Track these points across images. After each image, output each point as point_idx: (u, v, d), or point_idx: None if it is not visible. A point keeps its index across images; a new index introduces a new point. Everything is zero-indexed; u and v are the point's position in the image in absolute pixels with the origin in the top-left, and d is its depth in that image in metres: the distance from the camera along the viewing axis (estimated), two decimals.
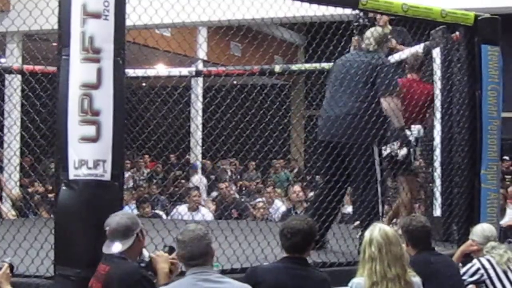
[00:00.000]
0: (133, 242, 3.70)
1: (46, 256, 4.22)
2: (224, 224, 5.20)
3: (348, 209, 8.37)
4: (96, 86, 3.95)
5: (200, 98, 11.41)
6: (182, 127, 7.14)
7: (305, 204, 8.37)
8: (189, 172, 12.47)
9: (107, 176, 3.95)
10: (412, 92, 6.01)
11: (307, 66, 7.98)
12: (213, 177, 12.78)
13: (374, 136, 5.42)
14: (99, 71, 3.96)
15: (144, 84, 8.36)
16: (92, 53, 3.96)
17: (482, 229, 4.96)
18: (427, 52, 6.37)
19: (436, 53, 6.22)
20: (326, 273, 4.05)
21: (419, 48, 6.50)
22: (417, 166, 6.32)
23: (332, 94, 5.60)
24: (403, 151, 5.92)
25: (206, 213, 8.83)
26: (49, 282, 4.09)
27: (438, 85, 6.17)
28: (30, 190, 9.94)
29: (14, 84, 8.66)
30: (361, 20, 6.37)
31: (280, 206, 9.82)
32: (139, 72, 8.24)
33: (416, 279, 3.87)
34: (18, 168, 9.47)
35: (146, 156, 13.02)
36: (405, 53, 6.72)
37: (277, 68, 8.20)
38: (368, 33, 5.77)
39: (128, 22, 4.19)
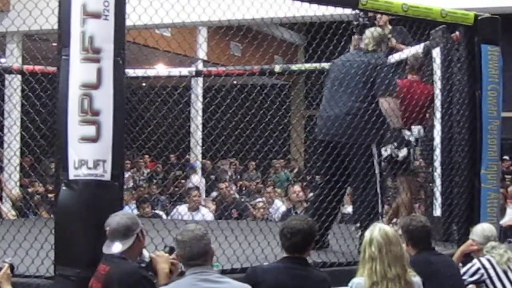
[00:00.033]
0: (133, 242, 3.70)
1: (46, 256, 4.22)
2: (224, 224, 5.20)
3: (348, 209, 8.36)
4: (96, 86, 3.95)
5: (200, 98, 11.41)
6: (182, 127, 7.14)
7: (305, 204, 8.37)
8: (189, 172, 12.47)
9: (107, 176, 3.94)
10: (412, 93, 6.01)
11: (307, 66, 7.97)
12: (213, 177, 12.77)
13: (373, 136, 5.42)
14: (99, 71, 3.96)
15: (144, 84, 8.36)
16: (92, 53, 3.96)
17: (482, 229, 4.96)
18: (427, 52, 6.37)
19: (436, 53, 6.22)
20: (326, 273, 4.06)
21: (419, 48, 6.50)
22: (417, 166, 6.32)
23: (331, 94, 5.60)
24: (403, 152, 5.93)
25: (206, 213, 8.83)
26: (49, 282, 4.09)
27: (438, 85, 6.18)
28: (30, 190, 9.93)
29: (14, 84, 8.66)
30: (361, 20, 6.37)
31: (280, 206, 9.81)
32: (139, 72, 8.23)
33: (416, 279, 3.87)
34: (18, 168, 9.48)
35: (146, 156, 13.02)
36: (405, 53, 6.72)
37: (277, 68, 8.20)
38: (366, 33, 5.77)
39: (128, 22, 4.19)
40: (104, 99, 3.95)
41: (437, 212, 6.14)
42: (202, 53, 13.33)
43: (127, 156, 9.78)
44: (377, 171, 5.51)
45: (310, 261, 4.06)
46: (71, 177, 3.93)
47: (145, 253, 3.89)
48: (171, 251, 3.86)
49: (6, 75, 8.34)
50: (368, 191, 5.47)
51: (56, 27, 4.16)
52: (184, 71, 8.72)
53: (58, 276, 3.99)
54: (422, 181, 6.83)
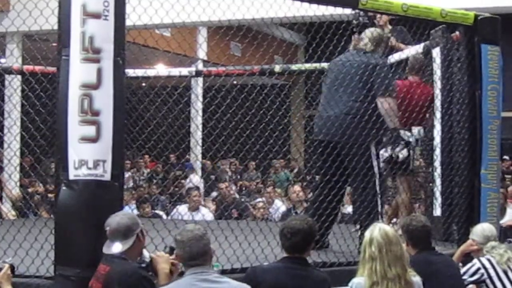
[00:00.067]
0: (133, 242, 3.70)
1: (46, 256, 4.22)
2: (224, 224, 5.20)
3: (348, 209, 8.36)
4: (96, 86, 3.95)
5: (200, 98, 11.41)
6: (182, 127, 7.14)
7: (305, 204, 8.37)
8: (187, 172, 12.47)
9: (107, 176, 3.95)
10: (412, 94, 6.01)
11: (307, 66, 7.98)
12: (213, 177, 12.77)
13: (372, 136, 5.43)
14: (99, 71, 3.96)
15: (144, 84, 8.36)
16: (92, 53, 3.96)
17: (482, 229, 4.96)
18: (427, 52, 6.37)
19: (436, 52, 6.22)
20: (326, 273, 4.06)
21: (419, 48, 6.51)
22: (417, 166, 6.33)
23: (329, 94, 5.61)
24: (404, 153, 5.94)
25: (206, 213, 8.83)
26: (49, 282, 4.09)
27: (438, 85, 6.17)
28: (30, 190, 9.93)
29: (14, 84, 8.66)
30: (361, 19, 6.37)
31: (280, 206, 9.81)
32: (139, 72, 8.23)
33: (417, 279, 3.87)
34: (18, 168, 9.48)
35: (146, 156, 13.02)
36: (405, 52, 6.72)
37: (277, 68, 8.20)
38: (365, 34, 5.77)
39: (128, 22, 4.19)
40: (104, 99, 3.95)
41: (437, 212, 6.13)
42: (202, 53, 13.33)
43: (127, 156, 9.77)
44: (376, 170, 5.51)
45: (310, 261, 4.06)
46: (71, 177, 3.93)
47: (145, 253, 3.89)
48: (171, 251, 3.86)
49: (6, 76, 8.34)
50: (368, 191, 5.47)
51: (56, 27, 4.16)
52: (184, 71, 8.72)
53: (58, 276, 3.99)
54: (422, 181, 6.83)
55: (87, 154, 3.92)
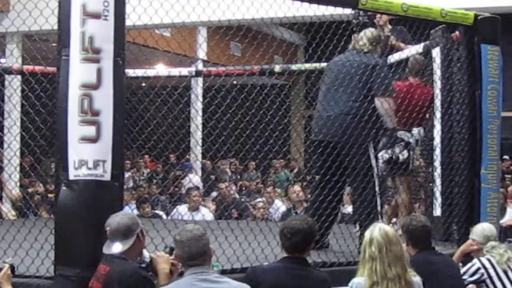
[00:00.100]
0: (134, 242, 3.70)
1: (46, 256, 4.22)
2: (224, 224, 5.20)
3: (348, 209, 8.37)
4: (96, 86, 3.95)
5: (200, 98, 11.40)
6: (182, 127, 7.14)
7: (305, 204, 8.37)
8: (185, 172, 12.46)
9: (107, 176, 3.95)
10: (413, 95, 6.00)
11: (307, 66, 7.98)
12: (213, 177, 12.77)
13: (370, 135, 5.43)
14: (99, 71, 3.96)
15: (144, 84, 8.36)
16: (92, 53, 3.96)
17: (482, 229, 4.96)
18: (427, 52, 6.37)
19: (436, 52, 6.22)
20: (326, 273, 4.06)
21: (419, 47, 6.51)
22: (417, 166, 6.33)
23: (327, 93, 5.61)
24: (404, 154, 5.95)
25: (206, 213, 8.83)
26: (49, 282, 4.09)
27: (438, 84, 6.17)
28: (30, 190, 9.93)
29: (14, 84, 8.66)
30: (361, 19, 6.37)
31: (280, 206, 9.81)
32: (139, 72, 8.23)
33: (417, 279, 3.87)
34: (18, 168, 9.48)
35: (146, 156, 13.02)
36: (405, 52, 6.72)
37: (277, 68, 8.20)
38: (361, 34, 5.78)
39: (128, 22, 4.19)
40: (104, 99, 3.95)
41: (437, 212, 6.13)
42: (202, 53, 13.33)
43: (127, 156, 9.77)
44: (374, 170, 5.51)
45: (310, 261, 4.06)
46: (71, 177, 3.93)
47: (146, 253, 3.89)
48: (171, 251, 3.86)
49: (6, 76, 8.34)
50: (367, 191, 5.47)
51: (56, 27, 4.16)
52: (184, 71, 8.73)
53: (58, 276, 3.99)
54: (422, 181, 6.83)
55: (87, 154, 3.92)
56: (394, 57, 6.76)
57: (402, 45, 6.83)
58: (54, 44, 4.39)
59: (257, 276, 3.81)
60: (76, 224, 3.94)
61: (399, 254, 3.77)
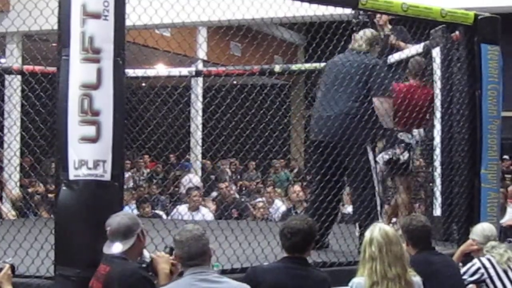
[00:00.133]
0: (134, 242, 3.70)
1: (46, 256, 4.22)
2: (224, 224, 5.20)
3: (348, 209, 8.37)
4: (96, 86, 3.95)
5: (200, 98, 11.40)
6: (182, 127, 7.14)
7: (305, 204, 8.37)
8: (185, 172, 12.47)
9: (107, 176, 3.95)
10: (413, 97, 6.00)
11: (307, 66, 7.98)
12: (213, 177, 12.77)
13: (368, 135, 5.44)
14: (99, 71, 3.96)
15: (144, 84, 8.36)
16: (92, 53, 3.96)
17: (482, 229, 4.96)
18: (427, 52, 6.37)
19: (436, 52, 6.22)
20: (326, 273, 4.06)
21: (419, 47, 6.51)
22: (417, 166, 6.33)
23: (325, 93, 5.62)
24: (405, 156, 5.96)
25: (206, 213, 8.83)
26: (50, 282, 4.09)
27: (438, 84, 6.17)
28: (30, 190, 9.94)
29: (14, 84, 8.66)
30: (360, 18, 6.37)
31: (280, 206, 9.82)
32: (139, 72, 8.23)
33: (417, 279, 3.87)
34: (18, 168, 9.48)
35: (146, 156, 13.02)
36: (405, 52, 6.72)
37: (277, 68, 8.20)
38: (359, 34, 5.78)
39: (128, 22, 4.19)
40: (104, 99, 3.96)
41: (437, 211, 6.13)
42: (202, 53, 13.32)
43: (127, 156, 9.77)
44: (373, 170, 5.52)
45: (310, 261, 4.06)
46: (71, 177, 3.93)
47: (146, 253, 3.89)
48: (171, 251, 3.86)
49: (6, 76, 8.34)
50: (368, 191, 5.47)
51: (56, 27, 4.16)
52: (184, 71, 8.72)
53: (58, 276, 3.99)
54: (422, 181, 6.83)
55: (87, 154, 3.92)
56: (394, 57, 6.75)
57: (402, 44, 6.83)
58: (54, 44, 4.39)
59: (257, 276, 3.81)
60: (76, 224, 3.94)
61: (399, 254, 3.77)
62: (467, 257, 4.94)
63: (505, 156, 12.12)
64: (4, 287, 3.74)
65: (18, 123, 8.32)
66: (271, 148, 6.36)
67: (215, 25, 6.57)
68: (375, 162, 5.61)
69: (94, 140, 3.92)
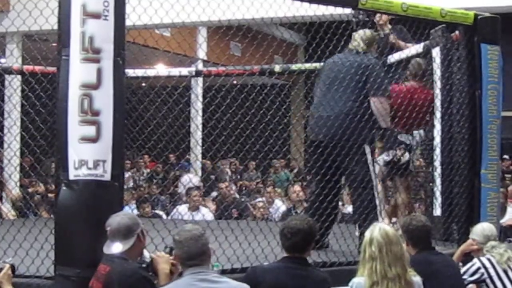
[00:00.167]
0: (134, 242, 3.70)
1: (46, 256, 4.22)
2: (224, 224, 5.20)
3: (348, 209, 8.37)
4: (96, 86, 3.95)
5: (200, 98, 11.40)
6: (182, 127, 7.14)
7: (305, 204, 8.37)
8: (181, 172, 12.46)
9: (107, 176, 3.95)
10: (414, 98, 6.00)
11: (307, 66, 7.98)
12: (213, 177, 12.77)
13: (366, 135, 5.44)
14: (99, 71, 3.96)
15: (144, 84, 8.36)
16: (92, 53, 3.96)
17: (482, 229, 4.96)
18: (427, 52, 6.37)
19: (436, 52, 6.22)
20: (327, 273, 4.06)
21: (419, 47, 6.51)
22: (417, 166, 6.33)
23: (322, 93, 5.62)
24: (406, 156, 5.97)
25: (206, 213, 8.83)
26: (50, 282, 4.09)
27: (438, 84, 6.17)
28: (30, 190, 9.94)
29: (14, 84, 8.67)
30: (360, 17, 6.37)
31: (280, 206, 9.82)
32: (139, 72, 8.23)
33: (417, 279, 3.87)
34: (18, 168, 9.48)
35: (146, 156, 13.02)
36: (405, 52, 6.72)
37: (277, 68, 8.20)
38: (356, 35, 5.78)
39: (128, 22, 4.19)
40: (104, 99, 3.95)
41: (437, 211, 6.13)
42: (202, 53, 13.32)
43: (127, 156, 9.77)
44: (371, 170, 5.52)
45: (310, 261, 4.06)
46: (71, 177, 3.93)
47: (146, 253, 3.89)
48: (171, 251, 3.86)
49: (6, 76, 8.34)
50: (368, 190, 5.47)
51: (56, 27, 4.16)
52: (184, 71, 8.72)
53: (58, 276, 3.99)
54: (422, 181, 6.83)
55: (87, 154, 3.92)
56: (394, 57, 6.75)
57: (402, 43, 6.83)
58: (54, 44, 4.39)
59: (257, 276, 3.81)
60: (76, 224, 3.94)
61: (399, 254, 3.77)
62: (467, 257, 4.94)
63: (505, 156, 12.12)
64: (4, 287, 3.74)
65: (18, 123, 8.32)
66: (271, 148, 6.36)
67: (215, 25, 6.58)
68: (374, 162, 5.61)
69: (94, 140, 3.92)
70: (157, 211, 9.62)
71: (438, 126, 6.16)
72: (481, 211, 5.59)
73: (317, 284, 3.87)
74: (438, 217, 6.11)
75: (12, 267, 3.82)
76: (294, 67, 8.42)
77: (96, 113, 3.93)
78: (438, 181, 6.11)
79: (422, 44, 6.44)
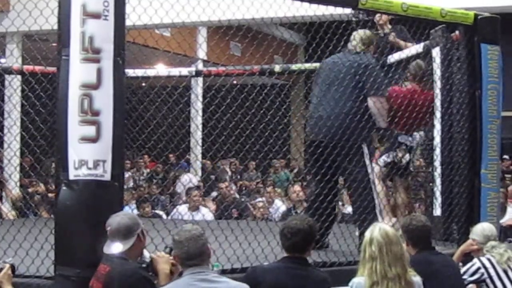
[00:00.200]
0: (134, 242, 3.70)
1: (46, 256, 4.22)
2: (224, 224, 5.20)
3: (348, 209, 8.37)
4: (96, 86, 3.95)
5: (200, 98, 11.40)
6: (182, 127, 7.14)
7: (305, 204, 8.37)
8: (179, 172, 12.46)
9: (107, 176, 3.95)
10: (414, 100, 6.00)
11: (307, 65, 7.98)
12: (213, 177, 12.77)
13: (363, 135, 5.44)
14: (99, 71, 3.96)
15: (144, 84, 8.36)
16: (92, 53, 3.96)
17: (482, 228, 4.96)
18: (427, 52, 6.37)
19: (436, 52, 6.22)
20: (327, 273, 4.06)
21: (419, 47, 6.51)
22: (417, 166, 6.33)
23: (320, 93, 5.62)
24: (406, 158, 5.98)
25: (206, 213, 8.84)
26: (50, 282, 4.09)
27: (438, 84, 6.17)
28: (30, 190, 9.94)
29: (14, 84, 8.67)
30: (360, 16, 6.37)
31: (280, 206, 9.82)
32: (139, 72, 8.23)
33: (417, 279, 3.87)
34: (18, 168, 9.48)
35: (146, 156, 13.03)
36: (405, 52, 6.72)
37: (277, 68, 8.20)
38: (353, 35, 5.79)
39: (128, 22, 4.19)
40: (104, 99, 3.95)
41: (437, 211, 6.13)
42: (202, 53, 13.32)
43: (127, 156, 9.77)
44: (369, 170, 5.52)
45: (310, 261, 4.06)
46: (71, 177, 3.93)
47: (146, 253, 3.89)
48: (171, 251, 3.86)
49: (6, 76, 8.34)
50: (367, 191, 5.48)
51: (56, 27, 4.16)
52: (184, 71, 8.72)
53: (58, 276, 3.99)
54: (422, 181, 6.83)
55: (87, 154, 3.92)
56: (394, 57, 6.75)
57: (402, 43, 6.83)
58: (54, 44, 4.39)
59: (257, 276, 3.81)
60: (76, 224, 3.94)
61: (399, 254, 3.77)
62: (467, 257, 4.94)
63: (505, 156, 12.12)
64: (4, 287, 3.74)
65: (18, 123, 8.32)
66: (271, 148, 6.36)
67: (215, 25, 6.58)
68: (371, 161, 5.61)
69: (94, 140, 3.92)
70: (157, 211, 9.62)
71: (438, 126, 6.16)
72: (481, 211, 5.59)
73: (317, 284, 3.87)
74: (438, 217, 6.11)
75: (12, 267, 3.82)
76: (294, 67, 8.42)
77: (96, 113, 3.93)
78: (438, 181, 6.11)
79: (422, 44, 6.44)
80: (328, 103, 5.52)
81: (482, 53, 5.63)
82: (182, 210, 8.69)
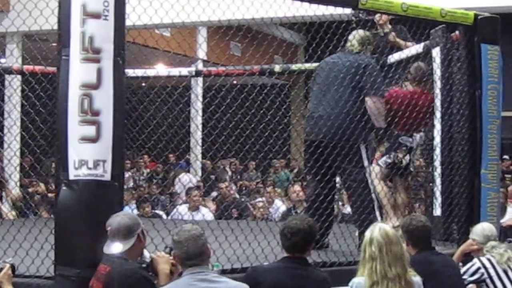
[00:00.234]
0: (134, 242, 3.70)
1: (46, 256, 4.22)
2: (224, 224, 5.20)
3: (348, 209, 8.37)
4: (96, 86, 3.95)
5: (200, 98, 11.40)
6: (182, 127, 7.14)
7: (305, 204, 8.37)
8: (178, 172, 12.45)
9: (107, 176, 3.95)
10: (414, 102, 6.00)
11: (307, 65, 7.98)
12: (213, 177, 12.77)
13: (361, 135, 5.45)
14: (99, 71, 3.96)
15: (144, 84, 8.36)
16: (92, 53, 3.96)
17: (482, 229, 4.96)
18: (427, 52, 6.37)
19: (436, 52, 6.22)
20: (327, 273, 4.06)
21: (419, 47, 6.51)
22: (417, 166, 6.33)
23: (318, 93, 5.63)
24: (407, 158, 5.99)
25: (206, 213, 8.84)
26: (50, 282, 4.09)
27: (438, 84, 6.17)
28: (30, 190, 9.94)
29: (14, 84, 8.67)
30: (360, 15, 6.38)
31: (280, 206, 9.82)
32: (139, 72, 8.23)
33: (417, 279, 3.87)
34: (18, 168, 9.48)
35: (146, 156, 13.03)
36: (405, 52, 6.72)
37: (277, 68, 8.20)
38: (351, 36, 5.79)
39: (128, 22, 4.19)
40: (104, 99, 3.96)
41: (437, 211, 6.13)
42: (202, 53, 13.32)
43: (127, 156, 9.76)
44: (367, 170, 5.53)
45: (310, 261, 4.06)
46: (71, 177, 3.93)
47: (146, 253, 3.89)
48: (171, 251, 3.86)
49: (6, 76, 8.34)
50: (366, 191, 5.48)
51: (56, 27, 4.16)
52: (184, 71, 8.72)
53: (58, 276, 3.99)
54: (422, 181, 6.83)
55: (87, 154, 3.92)
56: (394, 57, 6.75)
57: (401, 42, 6.84)
58: (54, 44, 4.39)
59: (257, 276, 3.81)
60: (76, 224, 3.94)
61: (399, 254, 3.77)
62: (467, 257, 4.94)
63: (505, 156, 12.12)
64: (4, 287, 3.74)
65: (18, 123, 8.32)
66: (271, 148, 6.36)
67: (215, 25, 6.58)
68: (369, 161, 5.62)
69: (94, 140, 3.92)
70: (157, 211, 9.62)
71: (438, 126, 6.17)
72: (481, 211, 5.59)
73: (317, 284, 3.87)
74: (438, 217, 6.11)
75: (12, 267, 3.82)
76: (294, 67, 8.43)
77: (96, 113, 3.93)
78: (438, 181, 6.11)
79: (422, 44, 6.44)
80: (328, 103, 5.52)
81: (482, 53, 5.63)
82: (182, 210, 8.69)
